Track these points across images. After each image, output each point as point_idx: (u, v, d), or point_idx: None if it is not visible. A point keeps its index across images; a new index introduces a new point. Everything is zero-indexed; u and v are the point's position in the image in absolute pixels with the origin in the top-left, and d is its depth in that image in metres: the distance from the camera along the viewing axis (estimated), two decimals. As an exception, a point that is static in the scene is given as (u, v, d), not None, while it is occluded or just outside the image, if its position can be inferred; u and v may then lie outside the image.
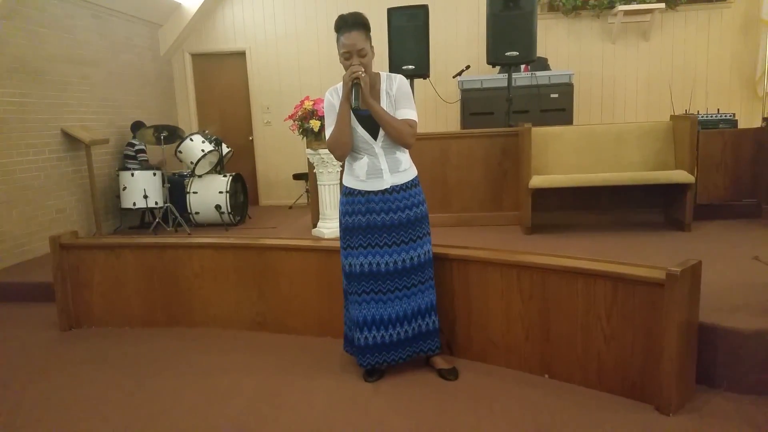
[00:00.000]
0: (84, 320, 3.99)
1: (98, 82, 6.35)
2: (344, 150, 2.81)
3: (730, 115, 5.15)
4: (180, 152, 6.15)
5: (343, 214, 2.89)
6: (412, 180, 2.89)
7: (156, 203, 5.99)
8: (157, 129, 6.01)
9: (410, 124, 2.80)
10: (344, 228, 2.89)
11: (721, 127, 5.00)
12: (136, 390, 2.99)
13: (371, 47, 2.77)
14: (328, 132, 2.82)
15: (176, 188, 6.21)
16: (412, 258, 2.86)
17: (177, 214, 5.89)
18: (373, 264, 2.85)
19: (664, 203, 4.85)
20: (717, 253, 3.84)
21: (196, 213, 6.14)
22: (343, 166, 4.84)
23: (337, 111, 2.76)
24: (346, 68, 2.71)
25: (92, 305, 3.96)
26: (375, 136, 2.80)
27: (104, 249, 3.91)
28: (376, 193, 2.82)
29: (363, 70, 2.68)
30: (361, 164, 2.83)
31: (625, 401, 2.64)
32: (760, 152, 4.83)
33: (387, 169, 2.82)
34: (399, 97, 2.82)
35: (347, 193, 2.88)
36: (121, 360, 3.39)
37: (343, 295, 3.05)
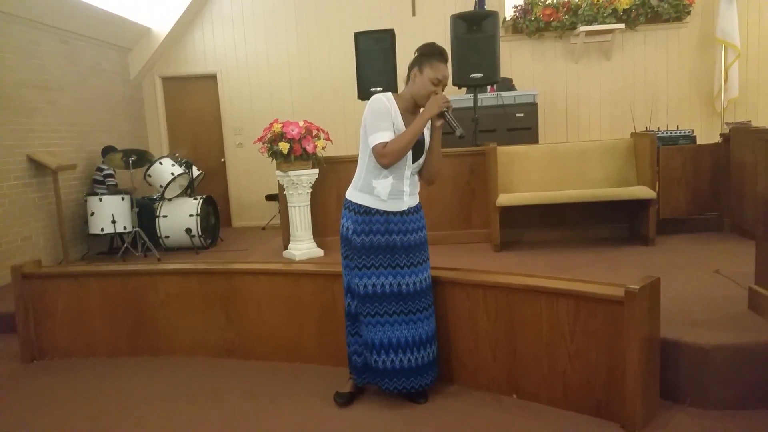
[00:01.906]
0: (47, 351, 3.90)
1: (66, 107, 6.29)
2: (397, 161, 2.74)
3: (689, 132, 5.29)
4: (149, 176, 6.09)
5: (357, 233, 2.81)
6: (419, 203, 2.97)
7: (124, 228, 5.91)
8: (126, 153, 5.96)
9: None
10: (359, 247, 2.81)
11: (680, 143, 5.13)
12: (99, 422, 2.93)
13: None
14: (380, 135, 2.69)
15: (145, 212, 6.14)
16: (423, 281, 2.89)
17: (146, 239, 5.82)
18: (398, 285, 2.82)
19: (629, 218, 4.95)
20: (679, 267, 3.92)
21: (166, 237, 6.07)
22: (313, 188, 4.87)
23: (414, 124, 2.72)
24: (425, 89, 2.73)
25: (56, 336, 3.88)
26: (414, 161, 2.84)
27: (67, 278, 3.85)
28: (395, 213, 2.83)
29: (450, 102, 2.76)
30: (385, 184, 2.80)
31: (591, 420, 2.67)
32: (719, 167, 4.96)
33: (408, 191, 2.86)
34: (436, 137, 2.90)
35: (363, 212, 2.82)
36: (85, 391, 3.32)
37: (347, 319, 2.97)
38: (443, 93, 2.77)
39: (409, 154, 2.80)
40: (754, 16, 7.00)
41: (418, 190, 2.94)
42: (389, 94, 2.83)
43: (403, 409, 2.88)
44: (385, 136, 2.69)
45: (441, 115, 2.74)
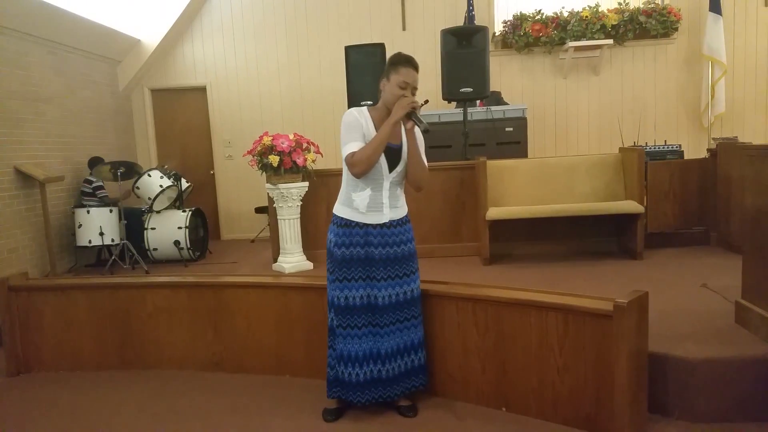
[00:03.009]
0: (33, 365, 3.85)
1: (54, 118, 6.26)
2: (368, 169, 2.76)
3: (677, 146, 5.34)
4: (137, 188, 6.07)
5: (338, 245, 2.84)
6: (406, 216, 2.96)
7: (112, 240, 5.88)
8: (114, 165, 5.93)
9: (427, 170, 2.92)
10: (340, 260, 2.84)
11: (668, 158, 5.18)
12: (85, 437, 2.90)
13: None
14: (351, 146, 2.75)
15: (134, 224, 6.10)
16: (405, 292, 2.89)
17: (134, 251, 5.78)
18: (371, 297, 2.85)
19: (617, 232, 4.98)
20: (667, 281, 3.94)
21: (155, 249, 6.03)
22: (303, 201, 4.87)
23: (380, 130, 2.75)
24: (394, 95, 2.75)
25: (42, 349, 3.84)
26: (391, 170, 2.84)
27: (55, 290, 3.81)
28: (374, 226, 2.83)
29: (420, 104, 2.76)
30: (363, 196, 2.83)
31: (579, 433, 2.67)
32: (706, 181, 5.01)
33: (388, 203, 2.86)
34: (418, 145, 2.90)
35: (343, 224, 2.85)
36: (70, 406, 3.28)
37: (329, 333, 2.97)
38: (411, 95, 2.76)
39: (385, 164, 2.80)
40: (740, 33, 7.12)
41: (402, 202, 2.93)
42: (363, 108, 2.87)
43: (393, 424, 2.86)
44: (354, 146, 2.75)
45: (408, 116, 2.74)
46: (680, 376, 2.71)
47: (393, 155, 2.83)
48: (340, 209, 2.89)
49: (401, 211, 2.93)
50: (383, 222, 2.84)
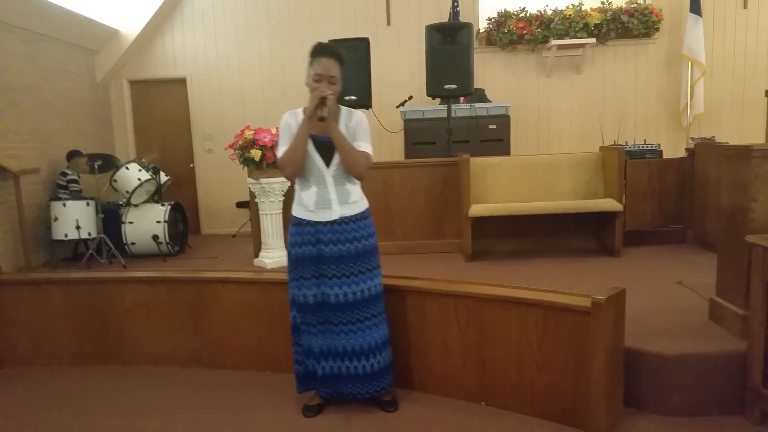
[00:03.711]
0: (7, 360, 3.79)
1: (29, 109, 6.14)
2: (295, 169, 2.77)
3: (656, 146, 5.41)
4: (115, 181, 5.98)
5: (292, 244, 2.86)
6: (362, 212, 2.90)
7: (89, 234, 5.79)
8: (91, 158, 5.84)
9: (366, 156, 2.82)
10: (294, 259, 2.86)
11: (647, 157, 5.24)
12: (61, 433, 2.86)
13: (341, 81, 2.80)
14: (280, 150, 2.79)
15: (111, 218, 6.02)
16: (362, 291, 2.84)
17: (111, 246, 5.71)
18: (324, 294, 2.84)
19: (596, 230, 5.03)
20: (644, 278, 4.00)
21: (132, 244, 5.96)
22: (285, 196, 4.85)
23: (296, 129, 2.75)
24: (313, 90, 2.72)
25: (17, 344, 3.78)
26: (328, 164, 2.81)
27: (29, 285, 3.76)
28: (324, 223, 2.82)
29: (332, 93, 2.70)
30: (310, 193, 2.82)
31: (557, 427, 2.71)
32: (684, 181, 5.09)
33: (336, 199, 2.82)
34: (357, 131, 2.84)
35: (296, 224, 2.86)
36: (46, 401, 3.24)
37: (292, 330, 2.98)
38: (325, 87, 2.70)
39: (319, 159, 2.79)
40: (719, 34, 7.23)
41: (355, 198, 2.88)
42: (298, 109, 2.84)
43: (373, 418, 2.87)
44: (284, 149, 2.78)
45: (319, 107, 2.67)
46: (655, 371, 2.76)
47: (325, 149, 2.79)
48: (294, 208, 2.90)
49: (355, 207, 2.87)
50: (333, 219, 2.81)
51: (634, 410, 2.79)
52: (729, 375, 2.71)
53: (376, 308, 2.90)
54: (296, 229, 2.85)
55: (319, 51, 2.75)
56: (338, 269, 2.82)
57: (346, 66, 5.77)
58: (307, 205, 2.83)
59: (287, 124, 2.82)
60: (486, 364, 2.95)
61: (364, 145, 2.82)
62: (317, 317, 2.87)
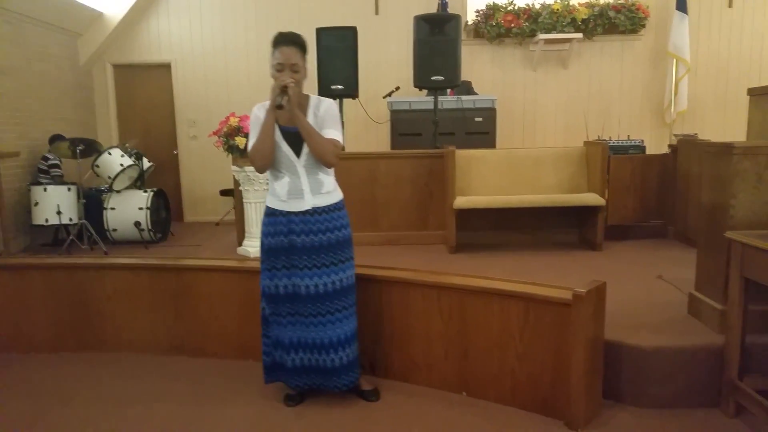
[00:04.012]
0: (-15, 345, 3.75)
1: (9, 91, 6.03)
2: (265, 160, 2.76)
3: (639, 142, 5.46)
4: (97, 166, 5.91)
5: (265, 234, 2.86)
6: (336, 203, 2.87)
7: (70, 219, 5.72)
8: (73, 142, 5.76)
9: (334, 143, 2.78)
10: (266, 249, 2.86)
11: (630, 152, 5.30)
12: (38, 421, 2.84)
13: (305, 68, 2.79)
14: (251, 143, 2.79)
15: (93, 204, 5.95)
16: (333, 282, 2.82)
17: (92, 231, 5.65)
18: (295, 285, 2.82)
19: (578, 224, 5.08)
20: (624, 272, 4.04)
21: (114, 230, 5.90)
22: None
23: (263, 121, 2.73)
24: (276, 80, 2.71)
25: (-5, 329, 3.73)
26: (298, 154, 2.78)
27: (8, 270, 3.70)
28: (297, 214, 2.80)
29: (294, 81, 2.68)
30: (283, 183, 2.81)
31: (536, 417, 2.74)
32: (666, 177, 5.14)
33: (308, 190, 2.80)
34: (326, 118, 2.81)
35: (269, 214, 2.85)
36: (24, 388, 3.20)
37: (261, 321, 2.97)
38: (290, 76, 2.69)
39: (289, 150, 2.78)
40: (704, 33, 7.30)
41: (328, 189, 2.85)
42: (266, 102, 2.78)
43: (355, 408, 2.88)
44: (252, 143, 2.78)
45: (282, 92, 2.65)
46: (634, 364, 2.80)
47: (294, 139, 2.77)
48: (267, 198, 2.89)
49: (328, 197, 2.84)
50: (305, 209, 2.80)
51: (613, 402, 2.83)
52: (706, 368, 2.75)
53: (348, 300, 2.88)
54: (269, 219, 2.84)
55: (280, 40, 2.74)
56: (310, 260, 2.80)
57: (333, 54, 5.78)
58: (280, 195, 2.81)
59: (256, 117, 2.80)
60: (468, 355, 2.97)
61: (333, 133, 2.79)
62: (288, 308, 2.86)
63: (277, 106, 2.65)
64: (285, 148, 2.78)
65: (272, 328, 2.91)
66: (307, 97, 2.85)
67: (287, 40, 2.73)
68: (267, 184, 4.84)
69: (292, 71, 2.71)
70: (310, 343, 2.86)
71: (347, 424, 2.74)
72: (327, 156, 2.75)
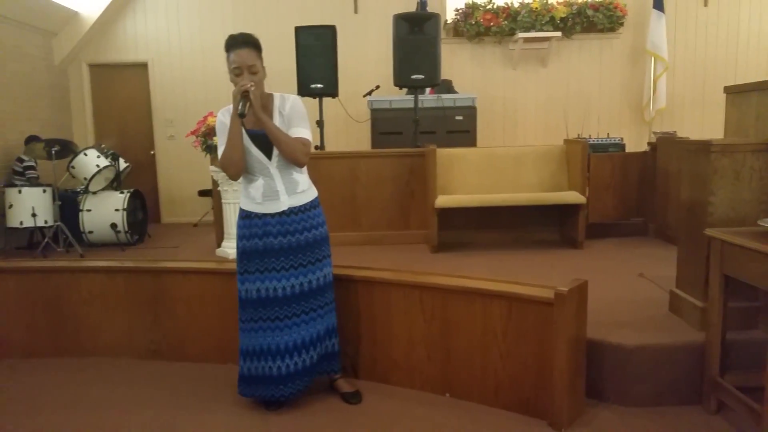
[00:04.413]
0: (-44, 352, 3.65)
1: (-19, 91, 5.90)
2: (237, 168, 2.72)
3: (619, 140, 5.48)
4: (72, 167, 5.80)
5: (240, 237, 2.81)
6: (311, 201, 2.85)
7: (45, 222, 5.61)
8: (49, 143, 5.65)
9: (303, 142, 2.74)
10: (241, 252, 2.81)
11: (610, 150, 5.31)
12: (11, 428, 2.76)
13: (263, 67, 2.74)
14: (220, 151, 2.74)
15: (68, 206, 5.84)
16: (310, 281, 2.80)
17: (68, 234, 5.54)
18: (270, 289, 2.77)
19: (559, 222, 5.09)
20: (606, 270, 4.06)
21: (90, 232, 5.80)
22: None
23: (228, 129, 2.68)
24: (236, 85, 2.66)
25: (-34, 335, 3.63)
26: (269, 156, 2.74)
27: (-20, 274, 3.61)
28: (273, 215, 2.76)
29: (253, 84, 2.63)
30: (257, 186, 2.77)
31: (520, 417, 2.73)
32: (645, 174, 5.18)
33: (284, 190, 2.77)
34: (292, 116, 2.77)
35: (244, 216, 2.80)
36: (-2, 395, 3.12)
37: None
38: (249, 79, 2.65)
39: (259, 153, 2.73)
40: (681, 31, 7.37)
41: (303, 188, 2.83)
42: (230, 106, 2.74)
43: (336, 411, 2.85)
44: (221, 151, 2.73)
45: (242, 98, 2.60)
46: (616, 362, 2.80)
47: (263, 142, 2.73)
48: (241, 201, 2.84)
49: (303, 197, 2.82)
50: (281, 210, 2.76)
51: (596, 401, 2.82)
52: (687, 365, 2.76)
53: (327, 298, 2.88)
54: (244, 222, 2.80)
55: (233, 43, 2.69)
56: (287, 261, 2.76)
57: (312, 53, 5.73)
58: (255, 198, 2.77)
59: (222, 123, 2.74)
60: (450, 355, 2.95)
61: (301, 131, 2.75)
62: (260, 313, 2.78)
63: (239, 115, 2.60)
64: (255, 151, 2.74)
65: (245, 336, 2.84)
66: (270, 96, 2.80)
67: (240, 42, 2.68)
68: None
69: (250, 73, 2.67)
70: (282, 348, 2.77)
71: (328, 427, 2.70)
72: (297, 156, 2.73)
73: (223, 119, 2.76)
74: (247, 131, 2.72)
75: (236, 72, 2.66)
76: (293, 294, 2.78)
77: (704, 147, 2.77)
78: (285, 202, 2.77)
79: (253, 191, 2.77)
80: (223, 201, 4.83)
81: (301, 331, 2.80)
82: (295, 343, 2.79)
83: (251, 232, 2.77)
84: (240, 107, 2.58)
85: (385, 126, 6.31)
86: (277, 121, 2.75)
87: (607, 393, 2.83)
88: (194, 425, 2.76)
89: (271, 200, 2.76)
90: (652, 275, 3.83)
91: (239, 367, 2.89)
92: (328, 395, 2.98)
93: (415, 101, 5.71)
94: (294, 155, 2.71)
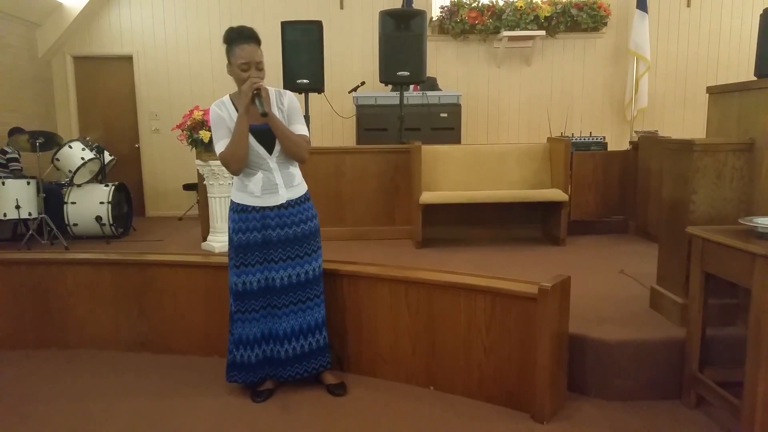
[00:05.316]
0: (-62, 344, 3.62)
1: (-38, 82, 5.81)
2: (241, 164, 2.73)
3: (601, 138, 5.56)
4: (57, 160, 5.75)
5: (236, 231, 2.82)
6: (304, 194, 2.92)
7: (29, 214, 5.54)
8: (33, 135, 5.59)
9: (306, 139, 2.82)
10: (237, 246, 2.83)
11: (592, 149, 5.39)
12: (-2, 421, 2.75)
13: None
14: (219, 145, 2.74)
15: (53, 198, 5.78)
16: (307, 272, 2.87)
17: (53, 226, 5.49)
18: (269, 279, 2.84)
19: (542, 219, 5.16)
20: (588, 267, 4.13)
21: (75, 225, 5.75)
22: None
23: (235, 123, 2.69)
24: (241, 80, 2.68)
25: (-51, 328, 3.60)
26: (270, 151, 2.78)
27: (-36, 266, 3.58)
28: (271, 208, 2.80)
29: (263, 81, 2.66)
30: (256, 180, 2.79)
31: (503, 410, 2.78)
32: (627, 173, 5.26)
33: (282, 183, 2.82)
34: (291, 113, 2.82)
35: (240, 210, 2.82)
36: (-18, 388, 3.11)
37: (229, 318, 2.95)
38: (257, 75, 2.68)
39: (261, 148, 2.76)
40: (663, 31, 7.47)
41: (298, 181, 2.90)
42: (225, 98, 2.79)
43: (322, 403, 2.88)
44: (222, 145, 2.73)
45: (253, 99, 2.65)
46: (597, 357, 2.86)
47: (265, 137, 2.76)
48: (235, 195, 2.85)
49: (299, 189, 2.89)
50: (280, 203, 2.82)
51: (578, 395, 2.88)
52: (668, 361, 2.83)
53: (318, 289, 2.95)
54: (239, 216, 2.82)
55: (237, 37, 2.69)
56: (284, 252, 2.83)
57: (298, 48, 5.73)
58: (253, 191, 2.79)
59: (219, 117, 2.75)
60: (435, 349, 3.00)
61: (301, 128, 2.81)
62: (260, 302, 2.86)
63: (262, 114, 2.63)
64: (256, 146, 2.76)
65: (236, 326, 2.89)
66: (266, 90, 2.83)
67: (247, 37, 2.69)
68: (232, 178, 4.79)
69: (257, 69, 2.70)
70: (281, 334, 2.87)
71: (314, 418, 2.73)
72: (301, 153, 2.80)
73: (219, 112, 2.76)
74: (250, 126, 2.74)
75: (244, 68, 2.67)
76: (290, 284, 2.85)
77: (687, 146, 2.84)
78: (283, 195, 2.82)
79: (252, 185, 2.79)
80: (208, 195, 4.82)
81: (298, 319, 2.88)
82: (293, 329, 2.88)
83: (249, 225, 2.80)
84: (259, 106, 2.62)
85: (371, 122, 6.33)
86: (277, 116, 2.78)
87: (589, 387, 2.89)
88: (182, 414, 2.78)
89: (270, 193, 2.80)
90: (633, 272, 3.90)
91: (230, 356, 2.92)
92: (314, 388, 3.01)
93: (401, 98, 5.73)
94: (299, 153, 2.79)
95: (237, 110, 2.74)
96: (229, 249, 2.88)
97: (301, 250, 2.86)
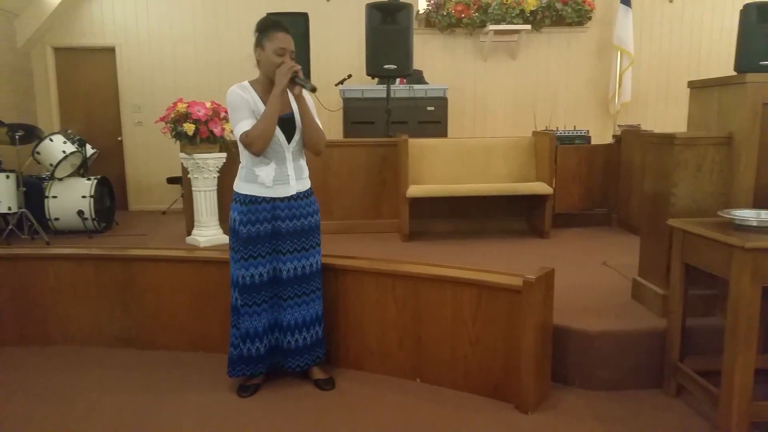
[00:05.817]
0: None
1: (-60, 73, 5.71)
2: (265, 145, 2.70)
3: (585, 132, 5.61)
4: (38, 153, 5.66)
5: (243, 223, 2.79)
6: (310, 187, 2.96)
7: (9, 209, 5.47)
8: (12, 128, 5.50)
9: (323, 133, 2.89)
10: (245, 238, 2.79)
11: (576, 142, 5.43)
12: (-20, 417, 2.73)
13: None
14: (243, 125, 2.69)
15: (33, 192, 5.71)
16: (311, 265, 2.91)
17: (33, 221, 5.42)
18: (277, 270, 2.86)
19: (527, 212, 5.20)
20: (571, 259, 4.17)
21: (56, 219, 5.68)
22: (221, 172, 4.75)
23: (268, 103, 2.67)
24: (274, 64, 2.69)
25: (-72, 324, 3.55)
26: (289, 141, 2.80)
27: (-57, 261, 3.53)
28: (282, 199, 2.81)
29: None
30: (268, 170, 2.79)
31: (488, 401, 2.81)
32: (610, 166, 5.31)
33: (294, 175, 2.84)
34: (310, 105, 2.87)
35: (248, 201, 2.79)
36: (-37, 384, 3.07)
37: (232, 312, 2.91)
38: (290, 61, 2.72)
39: (281, 136, 2.77)
40: (647, 26, 7.53)
41: (306, 174, 2.94)
42: (245, 83, 2.81)
43: (310, 397, 2.89)
44: (246, 124, 2.70)
45: (293, 81, 2.69)
46: (580, 348, 2.90)
47: (287, 125, 2.79)
48: (242, 186, 2.82)
49: (306, 182, 2.94)
50: (291, 194, 2.84)
51: (561, 385, 2.92)
52: (649, 351, 2.87)
53: (317, 282, 2.98)
54: (248, 208, 2.79)
55: (273, 26, 2.73)
56: (292, 244, 2.86)
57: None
58: (264, 182, 2.79)
59: (242, 99, 2.73)
60: (421, 342, 3.01)
61: (318, 121, 2.88)
62: (266, 294, 2.87)
63: (311, 91, 2.70)
64: (279, 134, 2.76)
65: (243, 320, 2.85)
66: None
67: (282, 27, 2.74)
68: (217, 171, 4.77)
69: (290, 58, 2.73)
70: (284, 325, 2.90)
71: (302, 413, 2.74)
72: (321, 143, 2.87)
73: (243, 94, 2.74)
74: None
75: (280, 52, 2.69)
76: (296, 276, 2.87)
77: (668, 140, 2.87)
78: (294, 186, 2.85)
79: (264, 175, 2.78)
80: (193, 188, 4.79)
81: (301, 311, 2.91)
82: (296, 322, 2.90)
83: (257, 217, 2.80)
84: (306, 83, 2.69)
85: (358, 115, 6.32)
86: (296, 111, 2.82)
87: (572, 377, 2.93)
88: (165, 409, 2.77)
89: (282, 184, 2.81)
90: (616, 264, 3.95)
91: (237, 351, 2.89)
92: (301, 382, 3.01)
93: (387, 91, 5.73)
94: (319, 143, 2.86)
95: (259, 96, 2.75)
96: (232, 242, 2.85)
97: (307, 243, 2.89)
